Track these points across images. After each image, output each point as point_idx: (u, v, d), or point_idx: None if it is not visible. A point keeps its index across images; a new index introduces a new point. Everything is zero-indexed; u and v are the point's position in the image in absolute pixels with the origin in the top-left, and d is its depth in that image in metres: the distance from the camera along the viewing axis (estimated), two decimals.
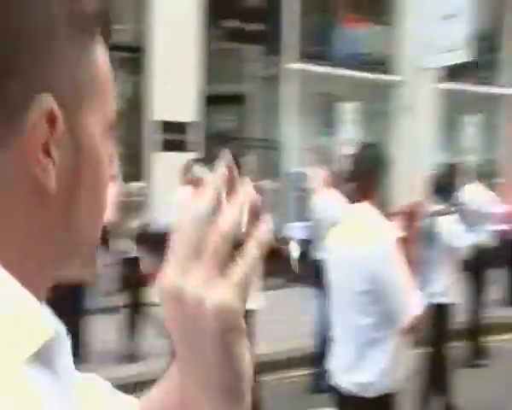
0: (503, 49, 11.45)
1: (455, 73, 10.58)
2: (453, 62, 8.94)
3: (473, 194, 6.93)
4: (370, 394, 2.78)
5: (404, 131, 9.27)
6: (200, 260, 0.53)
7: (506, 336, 7.48)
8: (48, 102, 0.54)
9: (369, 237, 2.84)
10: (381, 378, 2.78)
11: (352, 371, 2.84)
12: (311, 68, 9.20)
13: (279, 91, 9.31)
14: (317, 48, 9.85)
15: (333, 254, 3.08)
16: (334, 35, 9.98)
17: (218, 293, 0.52)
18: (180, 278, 0.54)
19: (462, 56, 8.65)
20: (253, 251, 0.54)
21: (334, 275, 3.01)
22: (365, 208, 2.93)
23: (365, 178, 2.94)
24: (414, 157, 8.71)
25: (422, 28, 9.33)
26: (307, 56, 9.27)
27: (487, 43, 11.74)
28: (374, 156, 3.05)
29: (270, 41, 9.24)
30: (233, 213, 0.54)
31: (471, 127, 11.28)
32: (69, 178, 0.57)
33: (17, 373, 0.50)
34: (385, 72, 9.90)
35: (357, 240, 2.87)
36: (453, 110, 11.31)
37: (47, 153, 0.55)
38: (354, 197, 3.02)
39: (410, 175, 7.99)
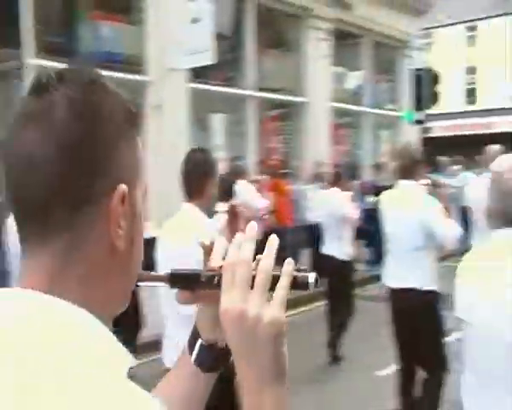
0: (246, 50, 12.08)
1: (202, 73, 10.84)
2: (200, 64, 9.10)
3: (245, 191, 7.44)
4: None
5: (153, 131, 9.17)
6: (254, 289, 0.84)
7: None
8: (122, 189, 0.78)
9: (187, 236, 3.00)
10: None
11: None
12: (52, 64, 8.55)
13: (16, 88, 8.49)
14: (60, 42, 9.22)
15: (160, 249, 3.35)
16: (80, 30, 9.45)
17: (270, 311, 0.82)
18: (242, 303, 0.83)
19: (208, 58, 8.83)
20: (284, 281, 0.85)
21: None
22: (191, 208, 3.26)
23: (191, 179, 3.25)
24: (166, 157, 8.65)
25: (169, 29, 9.33)
26: (48, 51, 8.58)
27: (229, 44, 12.29)
28: (200, 160, 3.28)
29: (5, 32, 8.36)
30: (269, 255, 0.86)
31: (219, 126, 11.69)
32: (129, 237, 0.81)
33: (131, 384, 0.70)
34: (134, 72, 9.69)
35: (179, 238, 3.14)
36: (202, 110, 11.60)
37: (119, 224, 0.79)
38: (185, 198, 3.33)
39: (162, 176, 7.91)
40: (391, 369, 5.61)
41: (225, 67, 12.25)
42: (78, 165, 0.75)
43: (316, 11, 13.27)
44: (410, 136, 16.46)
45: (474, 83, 34.49)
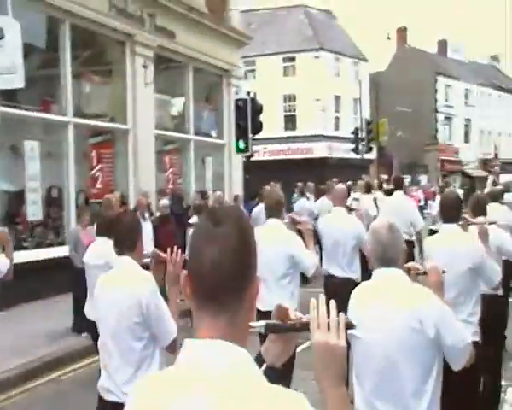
0: (62, 74, 11.39)
1: (14, 97, 10.01)
2: (6, 87, 8.33)
3: None
4: None
5: None
6: (330, 330, 1.45)
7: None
8: (259, 281, 1.38)
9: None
10: None
11: None
12: None
13: None
14: None
15: None
16: None
17: (341, 340, 1.44)
18: (326, 338, 1.44)
19: (16, 81, 8.10)
20: (341, 321, 1.46)
21: None
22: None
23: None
24: None
25: None
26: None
27: (43, 63, 11.55)
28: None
29: None
30: (334, 312, 1.46)
31: (33, 154, 10.82)
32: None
33: None
34: None
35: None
36: (14, 136, 10.72)
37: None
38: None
39: None
40: None
41: (41, 90, 11.49)
42: (246, 266, 1.35)
43: (138, 38, 13.00)
44: (235, 162, 16.79)
45: (294, 110, 36.41)
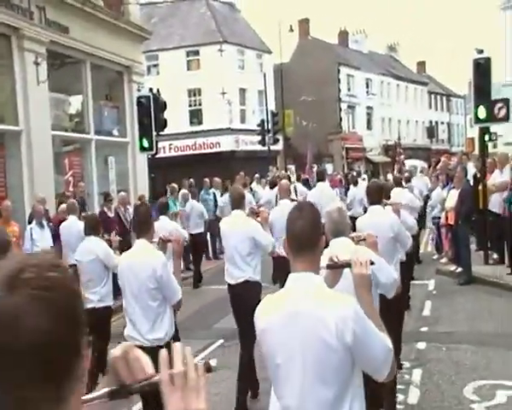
0: None
1: None
2: None
3: None
4: None
5: None
6: (362, 266, 2.86)
7: None
8: None
9: None
10: None
11: None
12: None
13: None
14: None
15: None
16: None
17: (368, 271, 2.80)
18: (362, 270, 2.80)
19: None
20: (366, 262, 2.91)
21: None
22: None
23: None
24: None
25: None
26: None
27: None
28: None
29: None
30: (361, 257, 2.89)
31: None
32: None
33: None
34: None
35: None
36: None
37: None
38: None
39: None
40: None
41: None
42: (317, 232, 2.77)
43: (26, 32, 12.19)
44: (139, 160, 16.28)
45: (199, 104, 36.01)
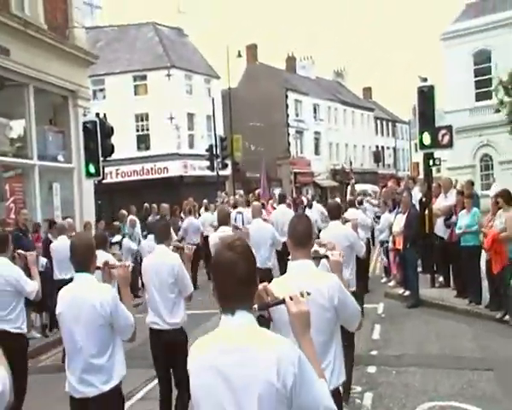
0: None
1: None
2: None
3: None
4: None
5: None
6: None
7: None
8: None
9: None
10: None
11: None
12: None
13: None
14: None
15: None
16: None
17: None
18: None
19: None
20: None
21: None
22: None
23: None
24: None
25: None
26: None
27: None
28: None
29: None
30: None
31: None
32: None
33: None
34: None
35: None
36: None
37: None
38: None
39: None
40: None
41: None
42: (311, 233, 3.82)
43: None
44: (85, 186, 15.92)
45: (147, 129, 35.69)
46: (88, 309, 4.12)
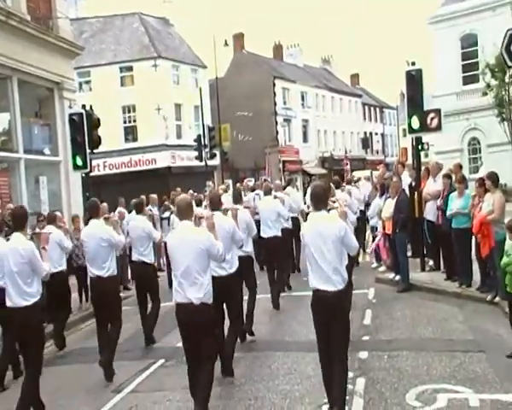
0: None
1: None
2: None
3: None
4: None
5: None
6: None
7: None
8: None
9: None
10: None
11: None
12: None
13: None
14: None
15: None
16: None
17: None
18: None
19: None
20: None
21: None
22: None
23: None
24: None
25: None
26: None
27: None
28: None
29: None
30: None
31: None
32: None
33: None
34: None
35: None
36: None
37: None
38: None
39: None
40: None
41: None
42: (327, 195, 6.12)
43: None
44: (73, 179, 15.80)
45: (134, 121, 35.45)
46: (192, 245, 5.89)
